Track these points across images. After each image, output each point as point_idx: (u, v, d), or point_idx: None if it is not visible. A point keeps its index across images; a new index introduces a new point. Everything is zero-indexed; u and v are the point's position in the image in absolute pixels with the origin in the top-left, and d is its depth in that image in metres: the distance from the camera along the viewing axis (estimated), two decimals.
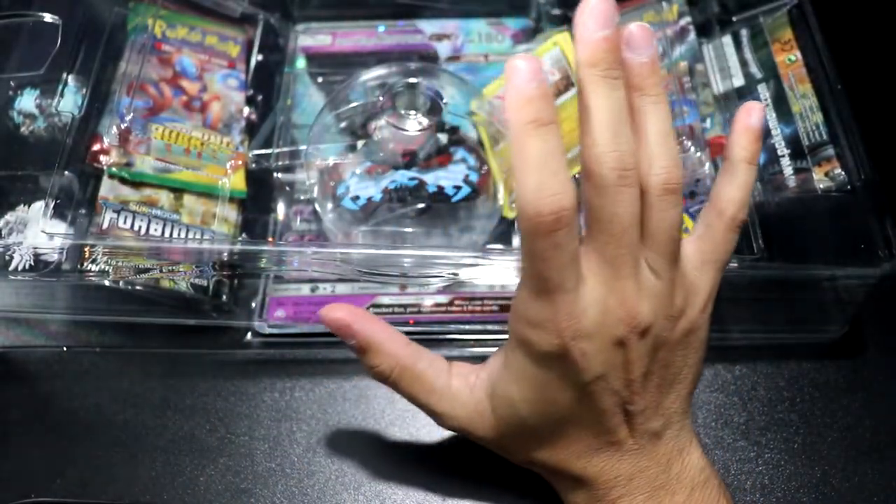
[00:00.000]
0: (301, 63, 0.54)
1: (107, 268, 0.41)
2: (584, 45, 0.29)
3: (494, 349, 0.36)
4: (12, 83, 0.46)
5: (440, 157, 0.45)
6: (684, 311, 0.33)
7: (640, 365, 0.32)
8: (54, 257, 0.41)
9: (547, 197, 0.28)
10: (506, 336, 0.34)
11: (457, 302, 0.46)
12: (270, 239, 0.48)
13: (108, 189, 0.44)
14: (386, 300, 0.46)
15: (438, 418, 0.36)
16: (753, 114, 0.34)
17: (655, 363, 0.32)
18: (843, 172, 0.43)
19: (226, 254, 0.42)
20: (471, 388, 0.35)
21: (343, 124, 0.46)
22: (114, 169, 0.44)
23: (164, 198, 0.45)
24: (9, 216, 0.42)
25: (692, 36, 0.49)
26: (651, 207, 0.31)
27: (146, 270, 0.42)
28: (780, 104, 0.47)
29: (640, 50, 0.30)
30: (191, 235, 0.45)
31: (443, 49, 0.54)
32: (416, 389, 0.35)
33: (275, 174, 0.49)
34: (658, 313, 0.31)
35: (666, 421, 0.34)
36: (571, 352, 0.30)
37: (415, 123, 0.44)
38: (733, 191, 0.34)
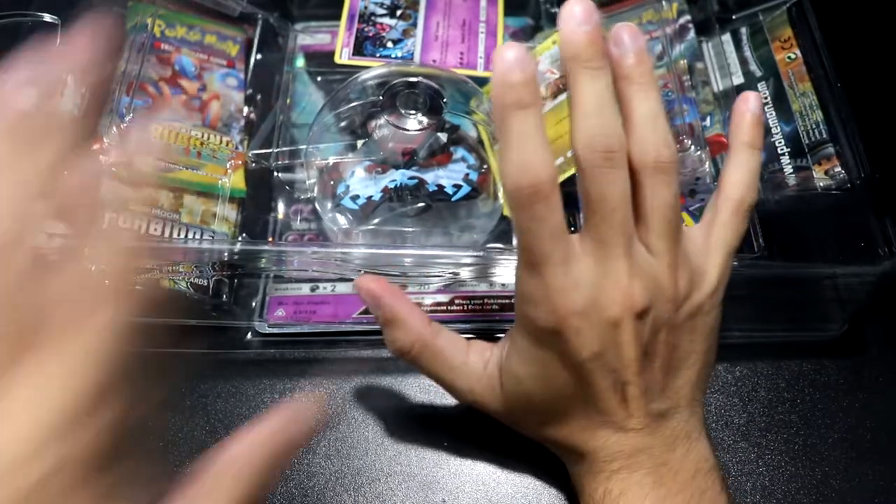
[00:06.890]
0: (300, 62, 0.54)
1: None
2: (567, 40, 0.31)
3: None
4: None
5: (440, 156, 0.45)
6: (689, 295, 0.33)
7: (637, 346, 0.32)
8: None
9: (525, 171, 0.30)
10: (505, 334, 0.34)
11: (457, 301, 0.46)
12: (270, 239, 0.48)
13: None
14: None
15: (456, 393, 0.37)
16: (750, 100, 0.36)
17: (658, 345, 0.33)
18: (842, 171, 0.43)
19: (226, 253, 0.42)
20: (485, 364, 0.36)
21: (343, 123, 0.46)
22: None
23: (164, 197, 0.45)
24: None
25: (692, 34, 0.49)
26: (643, 187, 0.32)
27: (146, 270, 0.42)
28: (780, 102, 0.47)
29: (625, 47, 0.32)
30: (190, 235, 0.45)
31: None
32: (435, 366, 0.37)
33: (274, 173, 0.49)
34: (655, 294, 0.32)
35: (673, 404, 0.34)
36: (567, 329, 0.31)
37: (415, 122, 0.44)
38: (736, 174, 0.35)
